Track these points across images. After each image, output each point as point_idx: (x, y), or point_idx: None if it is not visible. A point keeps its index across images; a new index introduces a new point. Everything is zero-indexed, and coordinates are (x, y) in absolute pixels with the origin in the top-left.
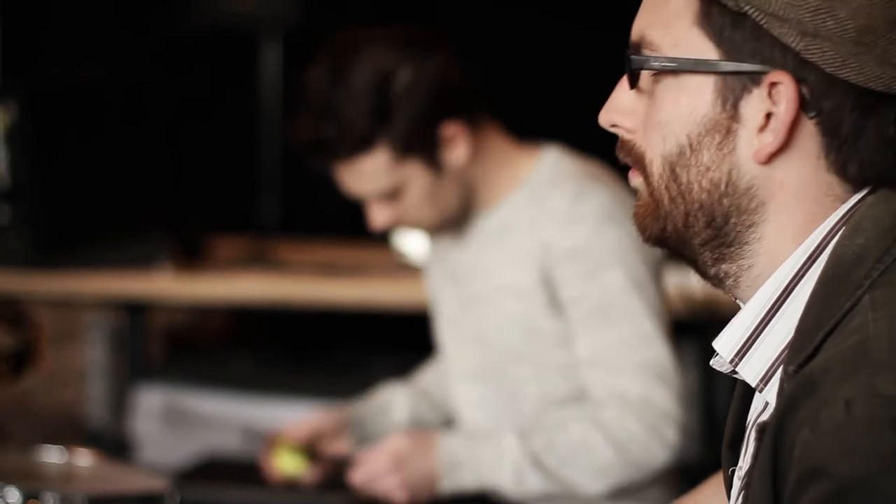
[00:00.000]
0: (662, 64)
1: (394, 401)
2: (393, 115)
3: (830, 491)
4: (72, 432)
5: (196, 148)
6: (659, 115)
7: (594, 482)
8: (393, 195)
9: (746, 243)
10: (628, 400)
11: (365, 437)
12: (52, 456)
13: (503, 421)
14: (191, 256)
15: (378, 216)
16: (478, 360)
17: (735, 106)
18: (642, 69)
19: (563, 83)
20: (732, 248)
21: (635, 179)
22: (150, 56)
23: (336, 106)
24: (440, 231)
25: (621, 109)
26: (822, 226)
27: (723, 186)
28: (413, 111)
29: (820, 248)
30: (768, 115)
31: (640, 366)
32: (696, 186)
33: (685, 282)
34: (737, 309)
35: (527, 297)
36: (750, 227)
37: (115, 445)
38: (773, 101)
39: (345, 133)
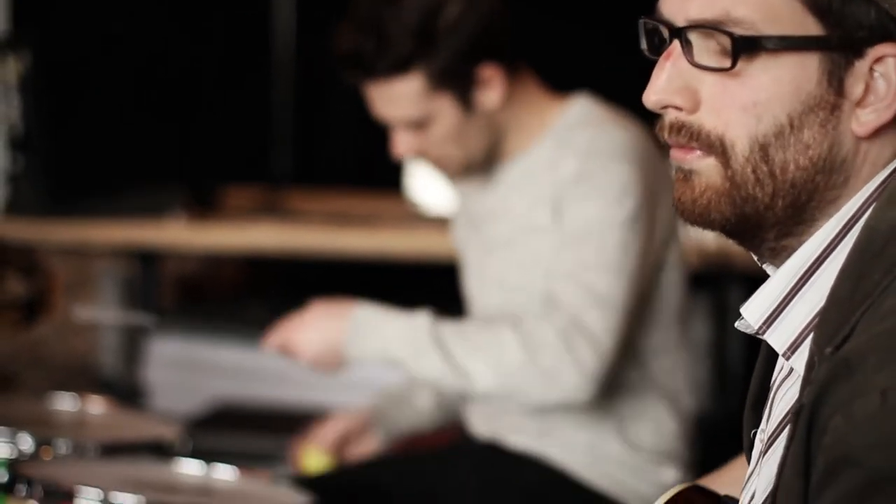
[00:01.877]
0: (774, 43)
1: (416, 387)
2: (436, 43)
3: (861, 481)
4: (84, 380)
5: (209, 98)
6: (753, 94)
7: (490, 375)
8: (420, 126)
9: (819, 219)
10: (558, 309)
11: (392, 430)
12: (64, 403)
13: None
14: (203, 206)
15: (402, 144)
16: (500, 303)
17: (840, 81)
18: (754, 50)
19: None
20: (803, 226)
21: (695, 161)
22: (165, 6)
23: (382, 22)
24: (462, 175)
25: (674, 89)
26: (857, 196)
27: (820, 163)
28: (456, 44)
29: (854, 219)
30: (866, 87)
31: (587, 286)
32: (791, 166)
33: (699, 234)
34: (751, 261)
35: (548, 234)
36: (831, 202)
37: (128, 394)
38: (876, 72)
39: (385, 50)
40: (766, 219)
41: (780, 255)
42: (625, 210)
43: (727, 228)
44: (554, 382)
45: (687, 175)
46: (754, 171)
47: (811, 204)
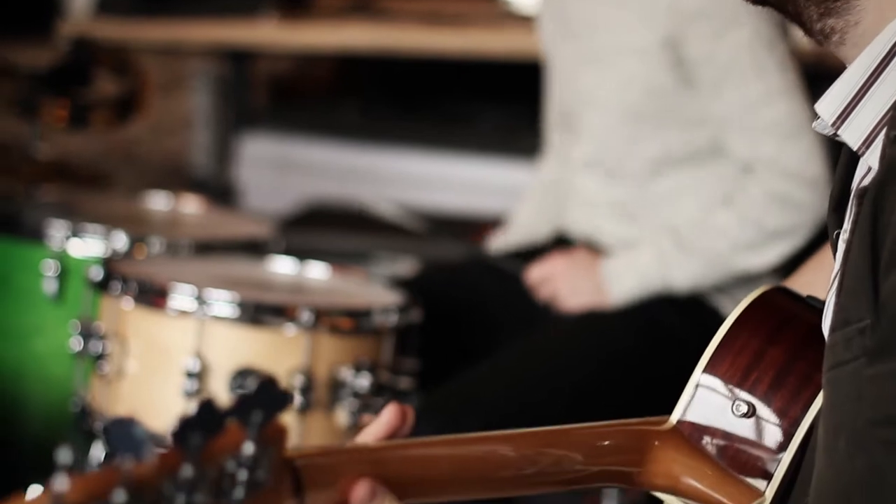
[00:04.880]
0: None
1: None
2: None
3: None
4: (177, 180)
5: None
6: None
7: (751, 258)
8: None
9: None
10: (759, 165)
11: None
12: (158, 202)
13: (615, 184)
14: (295, 4)
15: None
16: (590, 119)
17: None
18: None
19: None
20: (839, 3)
21: None
22: None
23: None
24: None
25: None
26: None
27: None
28: None
29: None
30: None
31: (771, 123)
32: None
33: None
34: (843, 66)
35: (649, 57)
36: None
37: (220, 193)
38: None
39: None
40: None
41: (833, 42)
42: (760, 28)
43: (767, 3)
44: (793, 231)
45: None
46: None
47: None
